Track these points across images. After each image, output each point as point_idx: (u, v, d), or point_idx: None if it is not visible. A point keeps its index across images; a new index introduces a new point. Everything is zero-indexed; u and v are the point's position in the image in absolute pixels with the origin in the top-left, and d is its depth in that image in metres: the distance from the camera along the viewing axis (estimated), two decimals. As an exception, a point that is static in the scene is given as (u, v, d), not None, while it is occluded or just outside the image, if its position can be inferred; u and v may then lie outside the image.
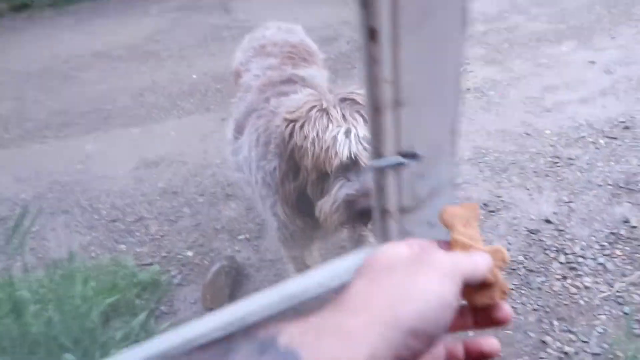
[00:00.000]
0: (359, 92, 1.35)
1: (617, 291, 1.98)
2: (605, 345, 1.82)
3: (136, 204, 2.87)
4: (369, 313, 0.34)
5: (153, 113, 3.86)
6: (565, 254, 2.16)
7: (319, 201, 1.37)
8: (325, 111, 1.33)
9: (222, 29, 5.36)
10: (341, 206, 1.30)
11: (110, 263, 2.32)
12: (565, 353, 1.84)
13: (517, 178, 2.60)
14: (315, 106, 1.34)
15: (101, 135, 3.64)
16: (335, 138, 1.28)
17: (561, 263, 2.13)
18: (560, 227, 2.28)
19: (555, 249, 2.20)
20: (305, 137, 1.32)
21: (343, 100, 1.35)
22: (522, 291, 2.07)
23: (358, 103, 1.33)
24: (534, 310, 2.00)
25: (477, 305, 0.43)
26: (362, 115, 1.31)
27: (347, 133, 1.30)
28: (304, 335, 0.33)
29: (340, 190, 1.31)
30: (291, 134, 1.36)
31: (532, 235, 2.28)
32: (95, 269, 2.23)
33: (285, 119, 1.41)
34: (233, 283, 2.27)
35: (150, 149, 3.35)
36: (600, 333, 1.87)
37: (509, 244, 2.27)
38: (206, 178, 3.07)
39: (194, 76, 4.34)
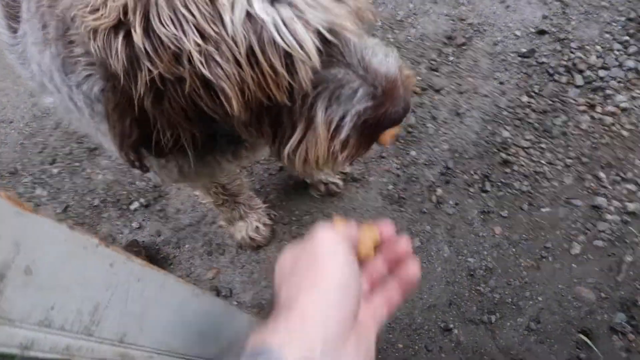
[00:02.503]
0: None
1: (667, 101, 1.42)
2: (679, 184, 1.32)
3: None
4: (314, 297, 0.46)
5: None
6: (580, 71, 1.53)
7: (271, 144, 0.74)
8: None
9: None
10: (352, 136, 0.69)
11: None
12: (632, 213, 1.33)
13: (475, -17, 1.81)
14: None
15: None
16: (248, 16, 0.56)
17: (579, 87, 1.52)
18: (560, 35, 1.61)
19: (564, 68, 1.56)
20: (176, 57, 0.59)
21: None
22: (543, 145, 1.48)
23: None
24: (567, 166, 1.43)
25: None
26: None
27: None
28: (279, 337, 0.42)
29: (342, 113, 0.67)
30: (130, 59, 0.62)
31: (526, 60, 1.61)
32: None
33: (90, 29, 0.63)
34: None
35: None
36: (664, 168, 1.35)
37: (501, 83, 1.60)
38: (50, 135, 2.06)
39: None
